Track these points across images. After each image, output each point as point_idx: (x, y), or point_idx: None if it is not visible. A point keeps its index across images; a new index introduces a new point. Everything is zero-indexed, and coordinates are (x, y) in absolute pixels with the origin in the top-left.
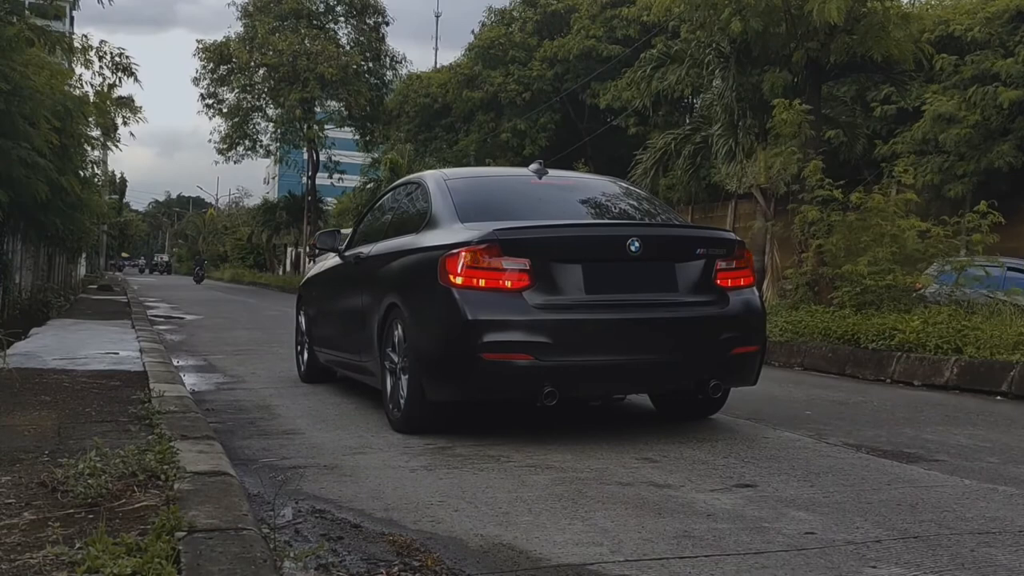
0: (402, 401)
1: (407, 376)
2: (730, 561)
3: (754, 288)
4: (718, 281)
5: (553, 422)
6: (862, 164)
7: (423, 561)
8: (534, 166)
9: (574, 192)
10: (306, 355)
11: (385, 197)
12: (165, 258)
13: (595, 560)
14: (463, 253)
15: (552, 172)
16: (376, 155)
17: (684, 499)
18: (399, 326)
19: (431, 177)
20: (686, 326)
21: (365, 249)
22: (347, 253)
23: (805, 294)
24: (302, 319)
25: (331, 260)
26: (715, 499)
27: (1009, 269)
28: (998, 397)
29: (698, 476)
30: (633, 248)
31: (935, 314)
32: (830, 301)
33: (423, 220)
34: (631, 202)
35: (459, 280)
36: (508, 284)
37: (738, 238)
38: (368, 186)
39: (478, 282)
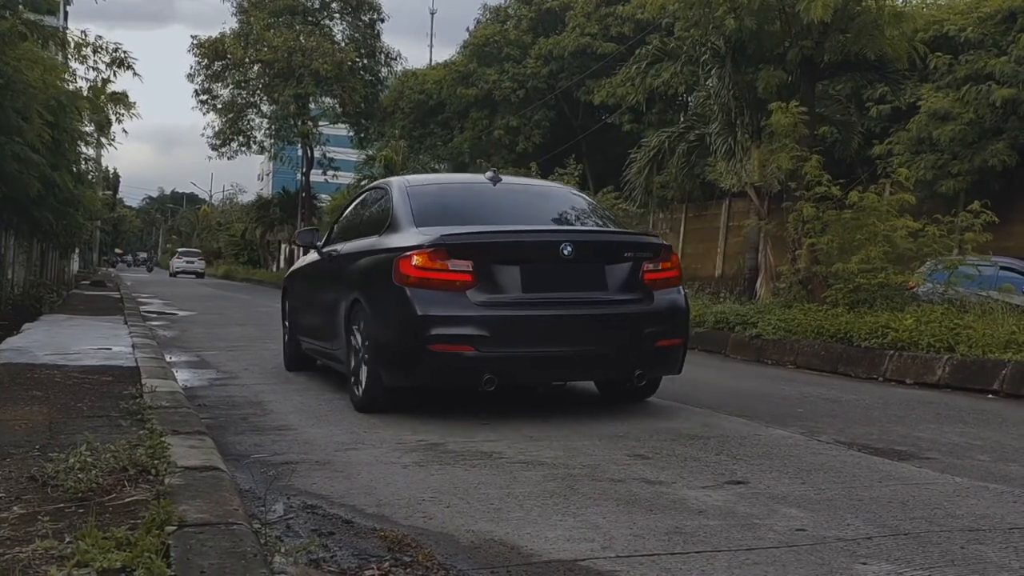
0: (363, 385)
1: (367, 363)
2: (721, 557)
3: (679, 287)
4: (645, 281)
5: (549, 417)
6: (856, 162)
7: (414, 556)
8: (489, 174)
9: (524, 198)
10: (288, 342)
11: (359, 198)
12: (143, 255)
13: (586, 556)
14: (414, 256)
15: (506, 179)
16: (371, 152)
17: (675, 496)
18: (361, 319)
19: (396, 183)
20: (614, 321)
21: (339, 247)
22: (324, 250)
23: (798, 292)
24: (286, 309)
25: (312, 256)
26: (706, 496)
27: (1001, 268)
28: (990, 395)
29: (689, 473)
30: (566, 252)
31: (928, 313)
32: (823, 299)
33: (385, 223)
34: (574, 208)
35: (410, 280)
36: (453, 284)
37: (665, 243)
38: (362, 183)
39: (427, 282)
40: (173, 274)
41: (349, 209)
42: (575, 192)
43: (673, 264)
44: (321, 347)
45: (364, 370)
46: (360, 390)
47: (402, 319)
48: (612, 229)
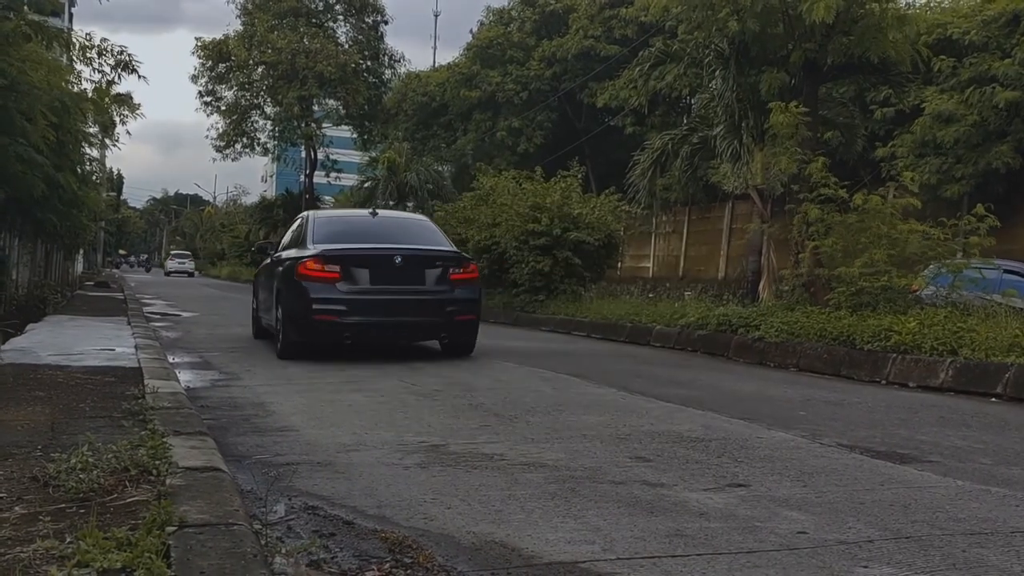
0: (280, 342)
1: (282, 327)
2: (722, 560)
3: (474, 282)
4: (451, 279)
5: (550, 420)
6: (859, 165)
7: (415, 558)
8: (371, 210)
9: (390, 225)
10: (254, 319)
11: (295, 223)
12: (144, 256)
13: (587, 558)
14: (307, 262)
15: (382, 213)
16: (374, 154)
17: (677, 498)
18: (281, 299)
19: (310, 216)
20: (427, 303)
21: (279, 254)
22: (272, 255)
23: (801, 295)
24: (253, 296)
25: (268, 260)
26: (708, 498)
27: (1005, 271)
28: (993, 399)
29: (691, 475)
30: (397, 260)
31: (931, 316)
32: (826, 302)
33: (300, 240)
34: (421, 232)
35: (304, 276)
36: (328, 279)
37: (466, 256)
38: (366, 185)
39: (313, 277)
40: (167, 273)
41: (290, 229)
42: (426, 221)
43: (471, 270)
44: (266, 319)
45: (281, 332)
46: (279, 345)
47: (299, 299)
48: (432, 247)
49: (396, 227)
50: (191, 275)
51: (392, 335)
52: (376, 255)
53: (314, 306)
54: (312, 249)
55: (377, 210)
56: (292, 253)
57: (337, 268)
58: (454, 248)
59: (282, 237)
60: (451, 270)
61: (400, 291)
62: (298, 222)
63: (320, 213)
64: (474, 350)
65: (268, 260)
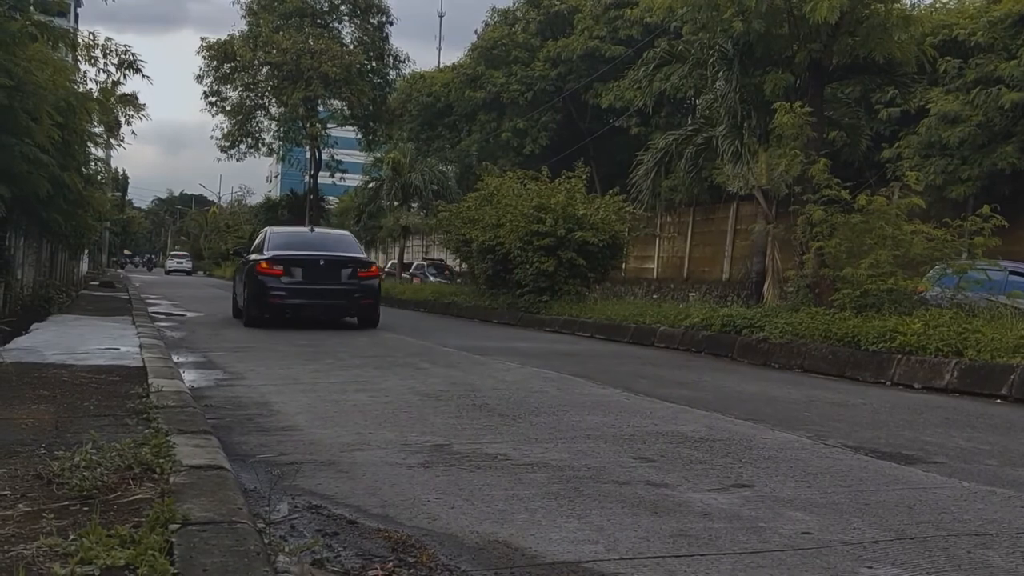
0: (244, 316)
1: (246, 305)
2: (726, 560)
3: (375, 278)
4: (359, 275)
5: (554, 420)
6: (865, 166)
7: (418, 557)
8: (310, 227)
9: (321, 238)
10: (233, 303)
11: (258, 235)
12: (147, 256)
13: (590, 558)
14: (262, 262)
15: (317, 229)
16: (378, 154)
17: (681, 498)
18: (246, 286)
19: (268, 229)
20: (341, 291)
21: (248, 256)
22: (244, 257)
23: (805, 296)
24: (232, 287)
25: (242, 260)
26: (712, 499)
27: (1011, 273)
28: (998, 400)
29: (695, 476)
30: (321, 263)
31: (936, 317)
32: (830, 303)
33: (260, 248)
34: (343, 243)
35: (260, 271)
36: (275, 274)
37: (370, 260)
38: (370, 185)
39: (266, 273)
40: (168, 272)
41: (256, 239)
42: (348, 235)
43: (372, 270)
44: (238, 300)
45: (245, 309)
46: (244, 319)
47: (257, 287)
48: (347, 254)
49: (325, 240)
50: (189, 273)
51: (319, 313)
52: (308, 259)
53: (267, 292)
54: (266, 254)
55: (314, 228)
56: (254, 256)
57: (281, 267)
58: (363, 255)
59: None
60: (358, 269)
61: (323, 283)
62: (261, 235)
63: (275, 228)
64: (378, 324)
65: (241, 260)
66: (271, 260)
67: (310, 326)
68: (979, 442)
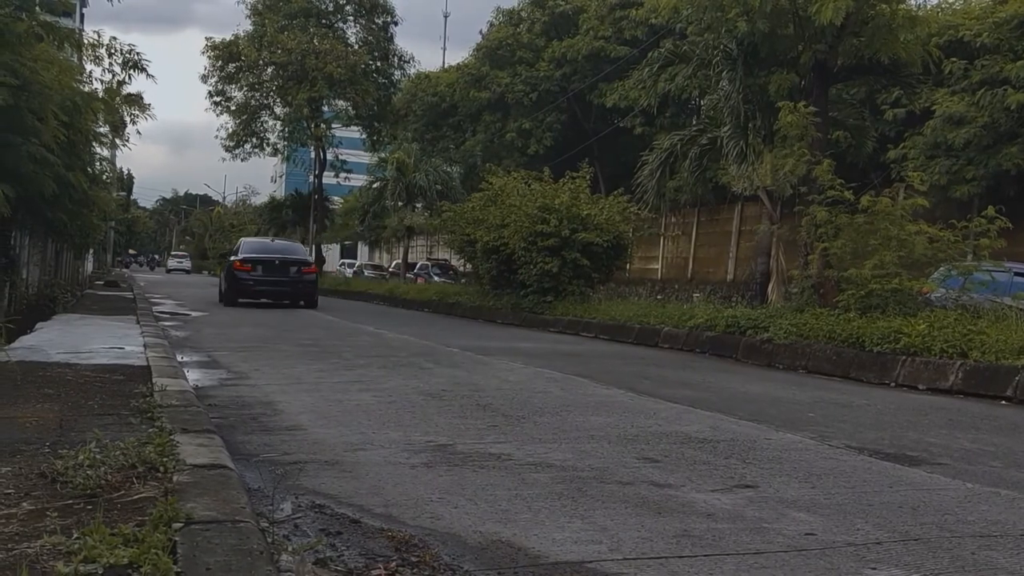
0: (221, 298)
1: (225, 290)
2: (729, 561)
3: (313, 273)
4: (302, 272)
5: (558, 420)
6: (870, 167)
7: (421, 557)
8: (271, 237)
9: (278, 246)
10: (219, 290)
11: (237, 244)
12: (151, 256)
13: (594, 558)
14: (236, 262)
15: (276, 240)
16: (383, 154)
17: (684, 499)
18: (225, 277)
19: (242, 240)
20: (288, 283)
21: (230, 258)
22: (227, 259)
23: (810, 297)
24: (219, 278)
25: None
26: (715, 499)
27: (1016, 274)
28: (1003, 402)
29: (699, 476)
30: (276, 262)
31: (941, 318)
32: (835, 304)
33: (236, 251)
34: (290, 249)
35: (235, 268)
36: (246, 270)
37: (311, 259)
38: (374, 185)
39: (240, 269)
40: (168, 271)
41: (235, 245)
42: (298, 244)
43: (312, 268)
44: (221, 287)
45: (224, 293)
46: (224, 300)
47: (233, 278)
48: (295, 256)
49: (282, 247)
50: (188, 272)
51: (273, 297)
52: (267, 260)
53: (239, 281)
54: (240, 256)
55: (275, 239)
56: (232, 257)
57: (249, 265)
58: (307, 258)
59: (288, 238)
60: (302, 268)
61: (277, 276)
62: (238, 243)
63: (247, 239)
64: (316, 306)
65: (225, 260)
66: (243, 260)
67: (302, 325)
68: (984, 444)
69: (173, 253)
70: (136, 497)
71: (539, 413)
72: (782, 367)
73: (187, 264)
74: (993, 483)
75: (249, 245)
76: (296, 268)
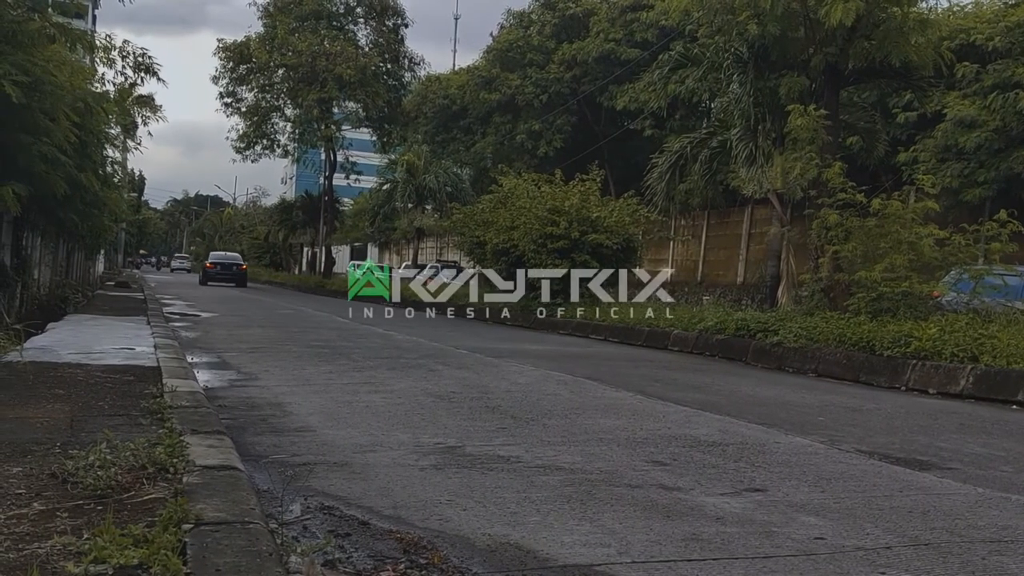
0: (200, 281)
1: (201, 278)
2: (738, 565)
3: (244, 268)
4: (240, 269)
5: (567, 423)
6: (880, 170)
7: (430, 559)
8: (224, 252)
9: (229, 255)
10: (199, 277)
11: (208, 254)
12: (158, 258)
13: (602, 561)
14: (207, 263)
15: (227, 252)
16: (393, 156)
17: (693, 502)
18: (203, 271)
19: (211, 252)
20: (232, 275)
21: (205, 261)
22: (205, 261)
23: (820, 300)
24: (200, 272)
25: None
26: (724, 503)
27: None
28: (1014, 406)
29: (708, 480)
30: (225, 262)
31: (952, 322)
32: (845, 307)
33: (207, 258)
34: (233, 256)
35: (207, 268)
36: (214, 268)
37: (243, 262)
38: (384, 187)
39: (210, 267)
40: (172, 270)
41: (208, 255)
42: (237, 254)
43: (244, 267)
44: (200, 277)
45: (201, 278)
46: (200, 283)
47: (206, 271)
48: (236, 260)
49: (229, 256)
50: (188, 271)
51: (222, 281)
52: (222, 261)
53: (207, 272)
54: (211, 259)
55: (227, 253)
56: (207, 259)
57: (214, 264)
58: (241, 260)
59: (299, 239)
60: (239, 266)
61: (225, 271)
62: (208, 255)
63: (214, 252)
64: (246, 286)
65: (201, 262)
66: (210, 261)
67: (312, 327)
68: (994, 448)
69: (176, 255)
70: (146, 498)
71: (548, 415)
72: (792, 370)
73: (187, 264)
74: (1004, 488)
75: (213, 256)
76: (236, 266)
